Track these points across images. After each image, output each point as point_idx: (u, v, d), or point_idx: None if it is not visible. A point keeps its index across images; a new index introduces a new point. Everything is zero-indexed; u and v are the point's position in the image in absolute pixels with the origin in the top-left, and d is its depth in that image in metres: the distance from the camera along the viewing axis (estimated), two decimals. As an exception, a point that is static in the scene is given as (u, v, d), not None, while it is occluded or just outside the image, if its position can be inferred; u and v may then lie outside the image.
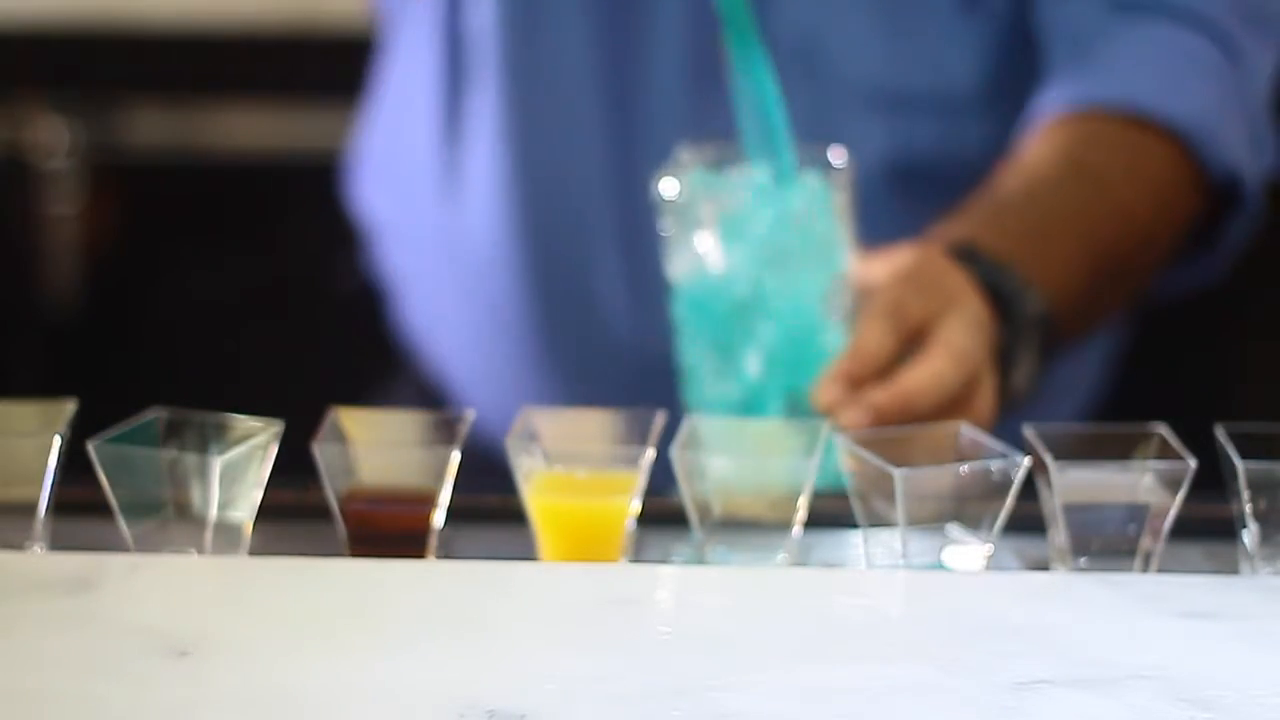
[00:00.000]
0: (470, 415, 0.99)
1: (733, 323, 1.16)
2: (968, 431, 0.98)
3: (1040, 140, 1.29)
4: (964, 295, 1.14)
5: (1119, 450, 0.98)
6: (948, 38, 1.34)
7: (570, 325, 1.39)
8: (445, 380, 1.45)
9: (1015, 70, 1.35)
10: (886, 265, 1.16)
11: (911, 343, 1.11)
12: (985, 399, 1.12)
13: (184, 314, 2.00)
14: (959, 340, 1.11)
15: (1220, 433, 0.97)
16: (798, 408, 1.14)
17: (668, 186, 1.17)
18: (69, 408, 0.99)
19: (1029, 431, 0.97)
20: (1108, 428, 0.98)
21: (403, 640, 0.86)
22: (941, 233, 1.21)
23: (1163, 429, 0.98)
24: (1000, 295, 1.16)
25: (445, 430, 0.99)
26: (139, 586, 0.91)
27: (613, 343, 1.37)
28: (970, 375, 1.11)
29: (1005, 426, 1.02)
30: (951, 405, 1.09)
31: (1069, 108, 1.29)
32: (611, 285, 1.37)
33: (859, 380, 1.09)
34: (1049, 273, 1.20)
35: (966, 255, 1.17)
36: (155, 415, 0.98)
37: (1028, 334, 1.17)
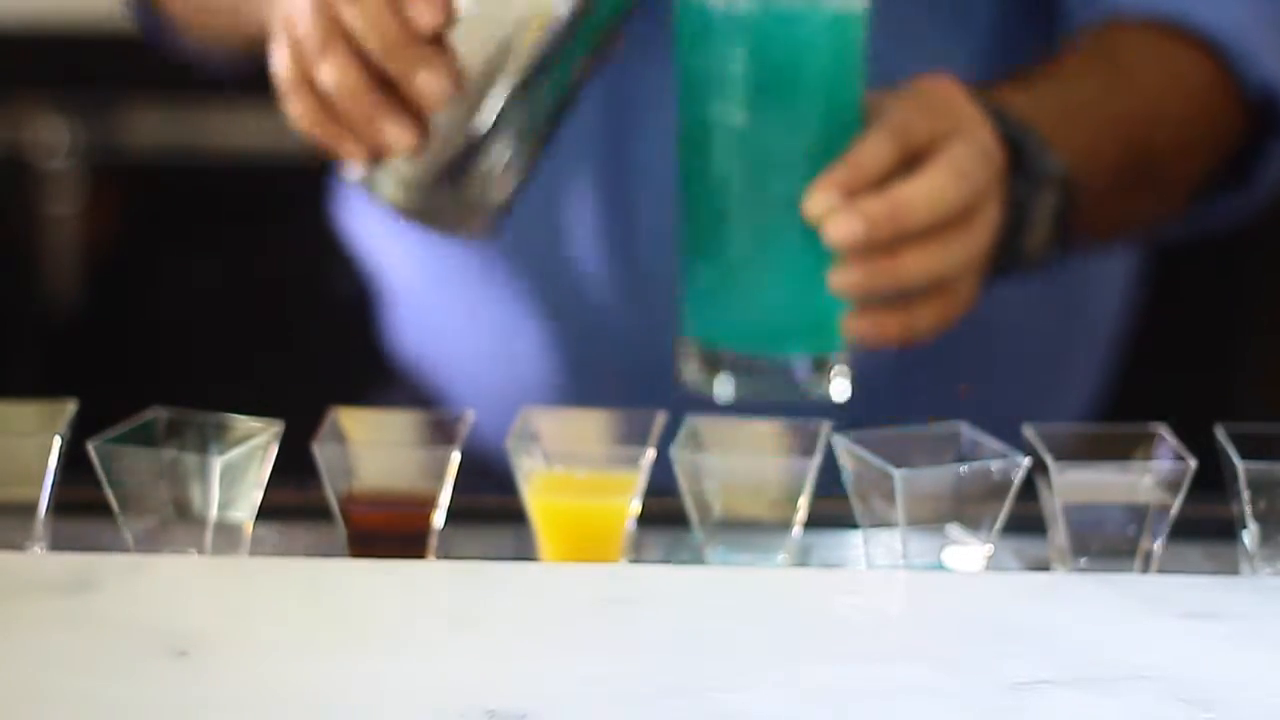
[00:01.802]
0: (470, 415, 0.99)
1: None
2: (968, 432, 0.98)
3: (1067, 45, 1.26)
4: (975, 124, 1.09)
5: (1119, 450, 0.98)
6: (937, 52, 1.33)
7: (570, 333, 1.37)
8: (440, 389, 1.44)
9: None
10: (895, 95, 1.10)
11: (913, 161, 1.06)
12: (984, 228, 1.08)
13: (184, 314, 2.00)
14: (963, 160, 1.06)
15: (1220, 433, 0.97)
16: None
17: None
18: (69, 408, 0.99)
19: (1029, 431, 0.97)
20: (1108, 428, 0.98)
21: (403, 640, 0.86)
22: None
23: (1163, 429, 0.98)
24: (1017, 147, 1.12)
25: (445, 430, 0.99)
26: (139, 586, 0.91)
27: (612, 347, 1.36)
28: (971, 198, 1.06)
29: (1005, 426, 1.02)
30: (947, 226, 1.05)
31: (1098, 18, 1.26)
32: (608, 289, 1.36)
33: (853, 189, 1.04)
34: (1073, 143, 1.15)
35: (986, 106, 1.12)
36: (155, 415, 0.98)
37: (1044, 193, 1.13)
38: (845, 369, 1.10)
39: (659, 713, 0.80)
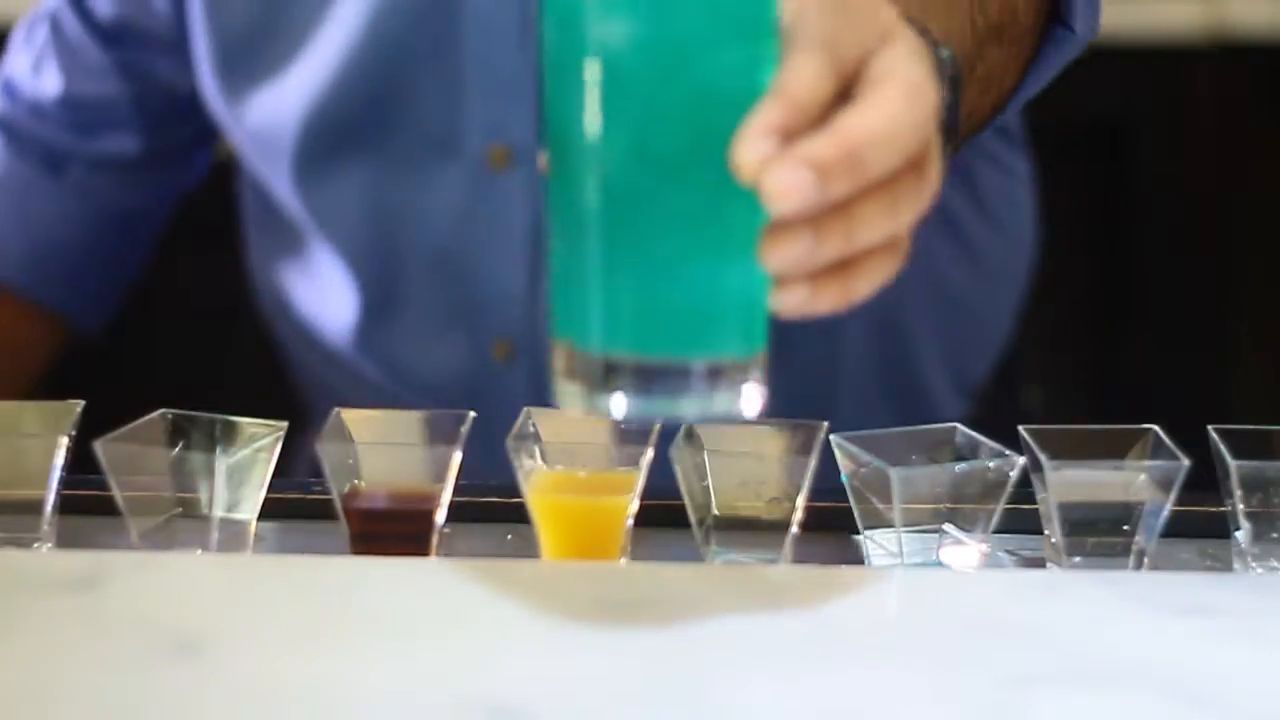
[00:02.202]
0: (470, 415, 1.00)
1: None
2: (964, 431, 0.98)
3: None
4: (900, 27, 0.85)
5: (1113, 450, 0.98)
6: None
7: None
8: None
9: None
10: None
11: (845, 86, 0.82)
12: (936, 163, 0.84)
13: (190, 314, 2.01)
14: (909, 70, 0.82)
15: (1213, 433, 0.98)
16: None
17: None
18: (76, 408, 0.99)
19: (1024, 431, 0.97)
20: (1102, 428, 0.99)
21: (403, 638, 0.86)
22: None
23: (1156, 429, 0.98)
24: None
25: (447, 430, 1.00)
26: (145, 584, 0.91)
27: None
28: (926, 117, 0.82)
29: (1004, 426, 1.02)
30: (908, 164, 0.81)
31: None
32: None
33: (793, 131, 0.79)
34: (945, 23, 0.98)
35: None
36: (162, 416, 0.98)
37: (948, 95, 0.93)
38: (760, 374, 0.85)
39: (659, 712, 0.80)
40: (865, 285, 0.83)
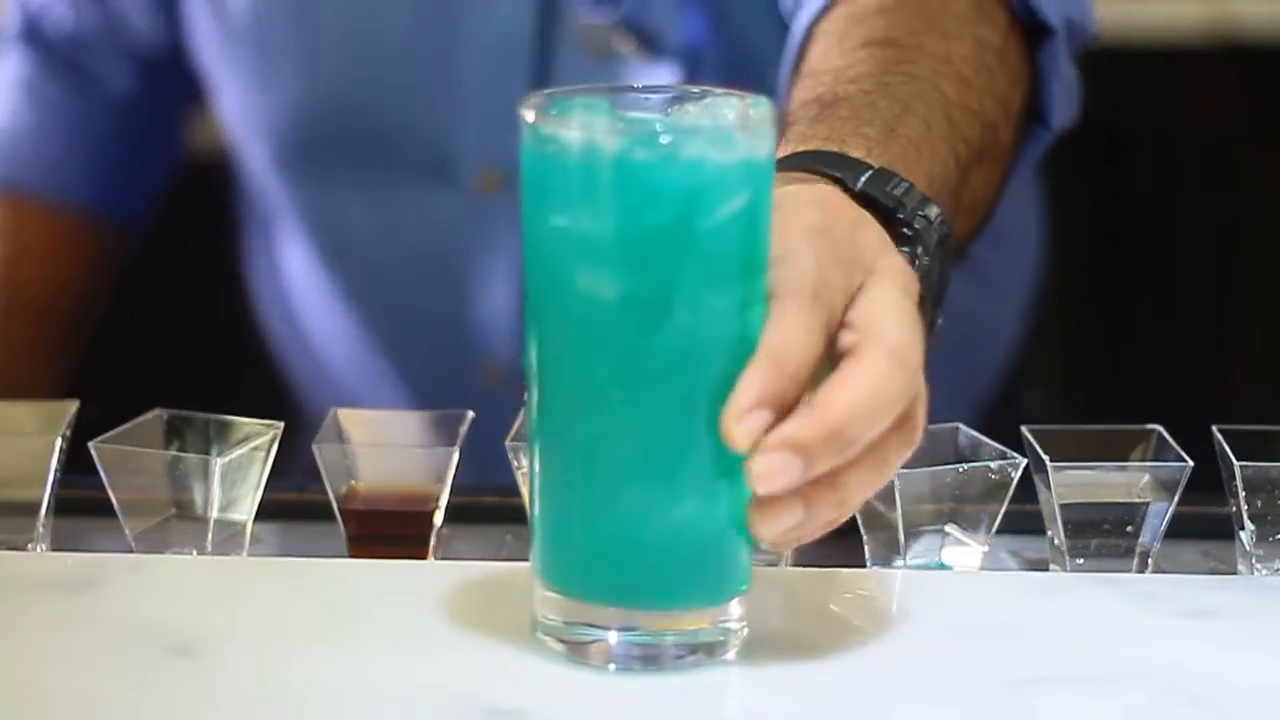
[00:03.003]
0: (470, 415, 0.99)
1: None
2: (966, 432, 0.98)
3: (824, 43, 1.08)
4: (885, 255, 0.84)
5: (1116, 451, 0.98)
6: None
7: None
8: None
9: None
10: (788, 228, 0.83)
11: (834, 330, 0.81)
12: (923, 402, 0.82)
13: (185, 314, 2.00)
14: (896, 331, 0.80)
15: (1217, 433, 0.97)
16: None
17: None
18: (71, 408, 0.99)
19: (1027, 432, 0.97)
20: (1105, 428, 0.99)
21: (403, 640, 0.86)
22: (790, 151, 0.93)
23: (1160, 429, 0.98)
24: (901, 213, 0.90)
25: (445, 430, 0.99)
26: (140, 586, 0.91)
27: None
28: (912, 375, 0.80)
29: (1004, 426, 1.02)
30: (894, 424, 0.80)
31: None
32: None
33: (782, 400, 0.78)
34: (928, 168, 0.97)
35: (842, 164, 0.91)
36: (157, 416, 0.98)
37: (938, 249, 0.92)
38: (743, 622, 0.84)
39: (659, 712, 0.80)
40: (858, 495, 0.81)
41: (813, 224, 0.83)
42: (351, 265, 1.43)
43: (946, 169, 0.99)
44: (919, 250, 0.90)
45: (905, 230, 0.90)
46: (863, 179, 0.90)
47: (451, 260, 1.40)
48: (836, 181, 0.90)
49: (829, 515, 0.80)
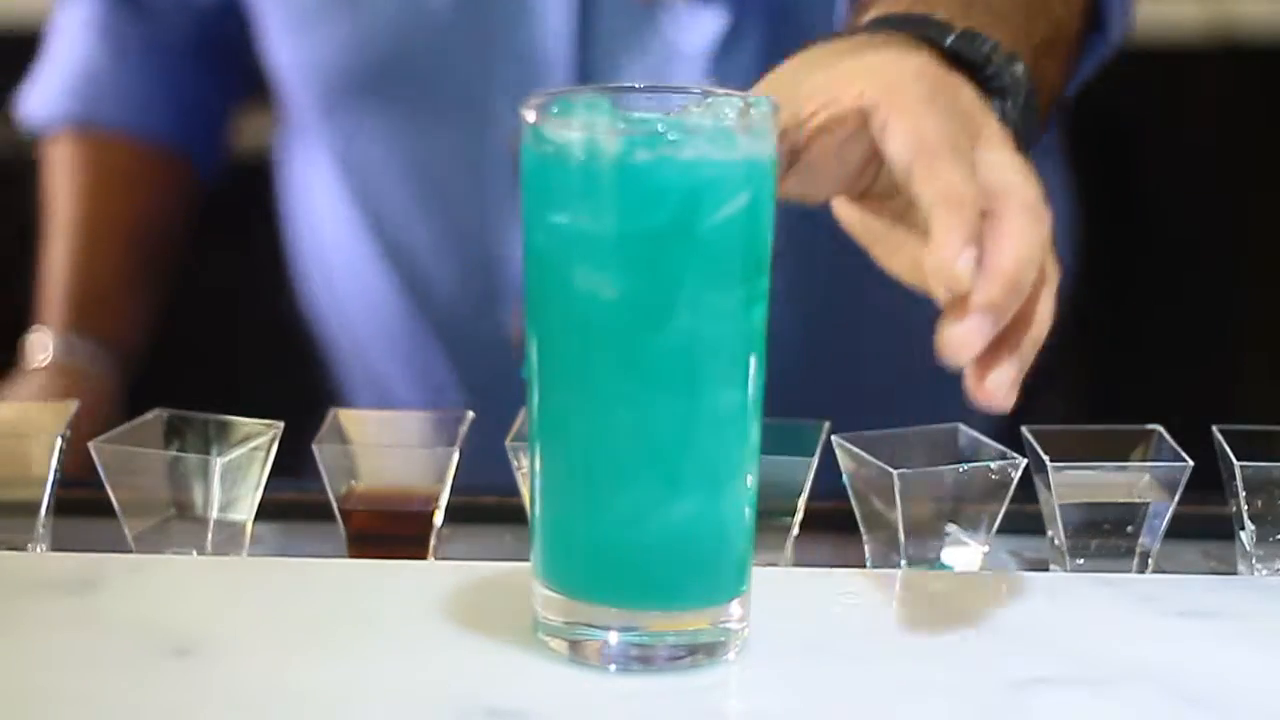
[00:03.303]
0: (470, 415, 0.99)
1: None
2: (966, 432, 0.98)
3: None
4: (986, 115, 0.91)
5: (1117, 450, 0.98)
6: None
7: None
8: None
9: None
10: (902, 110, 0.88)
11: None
12: (1051, 252, 0.89)
13: (186, 314, 2.00)
14: (1025, 189, 0.87)
15: (1218, 433, 0.97)
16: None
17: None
18: (71, 408, 0.99)
19: (1027, 432, 0.97)
20: (1105, 428, 0.99)
21: (403, 640, 0.86)
22: (878, 14, 0.98)
23: (1160, 429, 0.98)
24: (989, 68, 0.95)
25: (445, 430, 0.99)
26: (140, 586, 0.91)
27: None
28: (1047, 230, 0.88)
29: (1004, 426, 1.02)
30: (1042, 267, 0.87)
31: None
32: None
33: (1005, 307, 0.84)
34: (1010, 32, 1.00)
35: (926, 26, 0.95)
36: (157, 416, 0.98)
37: (1026, 107, 0.97)
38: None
39: (659, 712, 0.80)
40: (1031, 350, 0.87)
41: (922, 94, 0.88)
42: (388, 218, 1.44)
43: (1019, 43, 1.02)
44: (1008, 106, 0.95)
45: (994, 84, 0.95)
46: (951, 37, 0.95)
47: (488, 212, 1.40)
48: (927, 41, 0.94)
49: (1019, 362, 0.86)
